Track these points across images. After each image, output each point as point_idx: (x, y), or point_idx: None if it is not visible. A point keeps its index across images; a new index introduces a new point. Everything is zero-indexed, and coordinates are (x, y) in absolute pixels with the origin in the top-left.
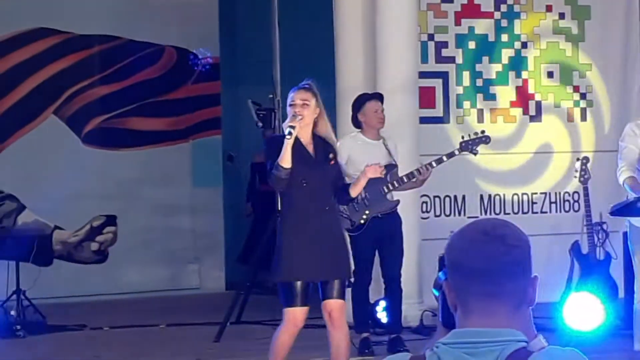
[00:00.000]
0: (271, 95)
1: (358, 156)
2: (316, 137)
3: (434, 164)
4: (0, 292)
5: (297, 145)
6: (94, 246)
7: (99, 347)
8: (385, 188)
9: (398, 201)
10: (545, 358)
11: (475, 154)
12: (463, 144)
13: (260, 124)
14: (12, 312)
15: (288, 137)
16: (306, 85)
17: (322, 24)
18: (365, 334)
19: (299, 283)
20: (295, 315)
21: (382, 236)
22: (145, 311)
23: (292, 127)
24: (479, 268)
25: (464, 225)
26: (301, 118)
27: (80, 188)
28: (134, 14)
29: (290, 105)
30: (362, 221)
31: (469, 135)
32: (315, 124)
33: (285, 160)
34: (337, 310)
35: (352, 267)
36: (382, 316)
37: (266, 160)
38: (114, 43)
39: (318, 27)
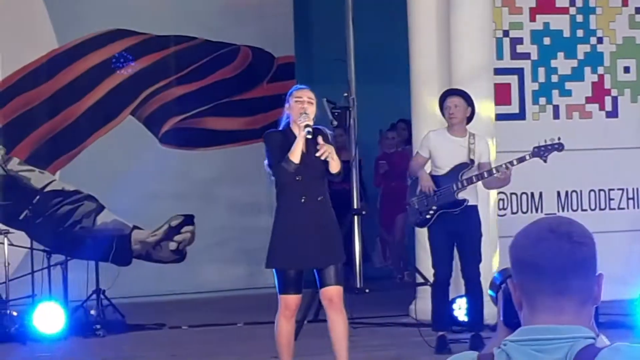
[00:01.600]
0: (346, 94)
1: (438, 151)
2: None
3: (514, 162)
4: (81, 291)
5: (293, 141)
6: (172, 245)
7: (177, 346)
8: (455, 186)
9: (465, 200)
10: (614, 353)
11: (545, 161)
12: (535, 150)
13: (335, 123)
14: (92, 312)
15: (308, 135)
16: (304, 86)
17: (396, 22)
18: (442, 332)
19: (292, 271)
20: (288, 302)
21: (458, 233)
22: (222, 310)
23: (309, 125)
24: (546, 265)
25: (528, 224)
26: (308, 117)
27: (158, 188)
28: (210, 14)
29: (296, 101)
30: (427, 216)
31: (545, 141)
32: None
33: (296, 155)
34: (337, 295)
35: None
36: (460, 314)
37: (267, 155)
38: (189, 43)
39: (392, 25)
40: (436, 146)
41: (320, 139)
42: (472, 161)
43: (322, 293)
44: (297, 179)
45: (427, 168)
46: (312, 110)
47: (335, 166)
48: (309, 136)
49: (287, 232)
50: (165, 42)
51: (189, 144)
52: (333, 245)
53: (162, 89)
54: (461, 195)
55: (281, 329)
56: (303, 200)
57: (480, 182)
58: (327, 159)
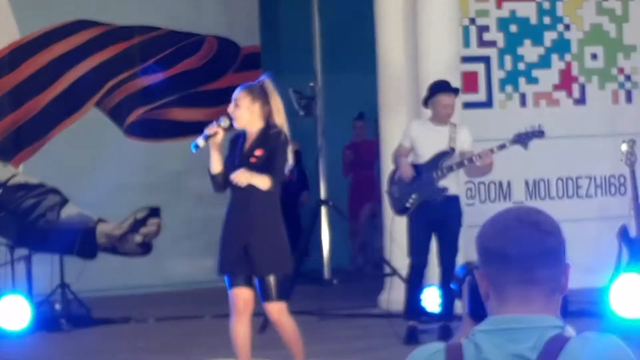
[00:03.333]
0: (312, 84)
1: (419, 140)
2: (264, 130)
3: (494, 149)
4: (45, 285)
5: (240, 141)
6: (138, 238)
7: (144, 340)
8: (435, 174)
9: (445, 189)
10: (583, 342)
11: (525, 148)
12: (516, 137)
13: (301, 113)
14: (57, 306)
15: (197, 147)
16: (248, 84)
17: (362, 12)
18: (412, 322)
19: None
20: (237, 295)
21: (437, 222)
22: (189, 303)
23: (208, 136)
24: (514, 255)
25: (495, 214)
26: (223, 121)
27: (124, 180)
28: (174, 4)
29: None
30: (407, 205)
31: (525, 129)
32: (269, 116)
33: (212, 166)
34: (273, 313)
35: (283, 264)
36: (429, 304)
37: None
38: (154, 34)
39: (359, 14)
40: (418, 135)
41: (236, 179)
42: (453, 149)
43: (264, 306)
44: (233, 181)
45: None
46: (237, 113)
47: (260, 185)
48: (199, 147)
49: (223, 238)
50: (129, 32)
51: (154, 135)
52: (269, 254)
53: (126, 80)
54: (441, 184)
55: (232, 328)
56: (236, 203)
57: (462, 172)
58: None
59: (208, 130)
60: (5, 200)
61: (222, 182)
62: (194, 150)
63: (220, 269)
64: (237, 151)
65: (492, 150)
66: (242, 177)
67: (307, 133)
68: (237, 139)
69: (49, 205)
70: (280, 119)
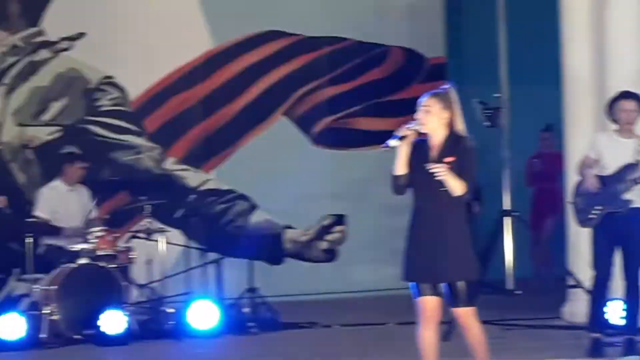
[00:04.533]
0: (497, 95)
1: (605, 152)
2: (451, 138)
3: None
4: (235, 289)
5: (424, 147)
6: (324, 245)
7: (329, 345)
8: (620, 187)
9: (630, 201)
10: None
11: None
12: None
13: (486, 123)
14: (246, 309)
15: (388, 147)
16: (437, 91)
17: (548, 22)
18: (596, 335)
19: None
20: (425, 303)
21: (622, 235)
22: (374, 310)
23: (400, 137)
24: None
25: None
26: (416, 125)
27: (310, 188)
28: (361, 15)
29: (419, 109)
30: (591, 216)
31: None
32: (452, 124)
33: (397, 168)
34: (463, 317)
35: (477, 268)
36: (613, 317)
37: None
38: (341, 44)
39: (545, 25)
40: (604, 147)
41: (432, 171)
42: (639, 162)
43: (453, 311)
44: (423, 188)
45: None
46: (427, 119)
47: (454, 190)
48: (390, 147)
49: (412, 244)
50: (317, 43)
51: (341, 144)
52: (460, 259)
53: (314, 90)
54: (626, 196)
55: (421, 337)
56: (426, 208)
57: None
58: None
59: (400, 132)
60: (197, 205)
61: (404, 184)
62: (386, 149)
63: (407, 275)
64: (421, 157)
65: None
66: (442, 169)
67: (491, 144)
68: (420, 144)
69: (238, 211)
70: (461, 127)
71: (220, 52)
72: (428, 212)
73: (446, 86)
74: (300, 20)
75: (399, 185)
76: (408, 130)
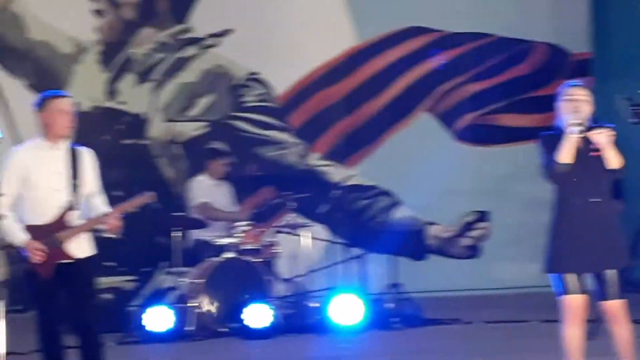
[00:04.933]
0: None
1: None
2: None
3: None
4: (378, 284)
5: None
6: (467, 241)
7: (472, 342)
8: None
9: None
10: None
11: None
12: None
13: (632, 120)
14: (389, 305)
15: (575, 134)
16: (579, 83)
17: None
18: None
19: (567, 275)
20: (572, 300)
21: None
22: (516, 307)
23: (578, 124)
24: None
25: None
26: (580, 115)
27: (453, 184)
28: (504, 11)
29: (567, 100)
30: None
31: None
32: None
33: (564, 156)
34: (612, 311)
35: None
36: None
37: (540, 156)
38: (484, 40)
39: None
40: None
41: (596, 137)
42: None
43: (602, 305)
44: (573, 180)
45: None
46: (585, 108)
47: (612, 161)
48: (577, 135)
49: (561, 235)
50: (460, 39)
51: (483, 141)
52: (612, 249)
53: (457, 86)
54: None
55: (567, 336)
56: (576, 201)
57: None
58: (602, 152)
59: (575, 121)
60: (340, 201)
61: (564, 173)
62: (579, 134)
63: (554, 266)
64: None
65: None
66: (606, 135)
67: (636, 141)
68: (554, 135)
69: (381, 207)
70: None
71: (364, 48)
72: (579, 202)
73: (578, 82)
74: (444, 16)
75: (559, 174)
76: (579, 120)
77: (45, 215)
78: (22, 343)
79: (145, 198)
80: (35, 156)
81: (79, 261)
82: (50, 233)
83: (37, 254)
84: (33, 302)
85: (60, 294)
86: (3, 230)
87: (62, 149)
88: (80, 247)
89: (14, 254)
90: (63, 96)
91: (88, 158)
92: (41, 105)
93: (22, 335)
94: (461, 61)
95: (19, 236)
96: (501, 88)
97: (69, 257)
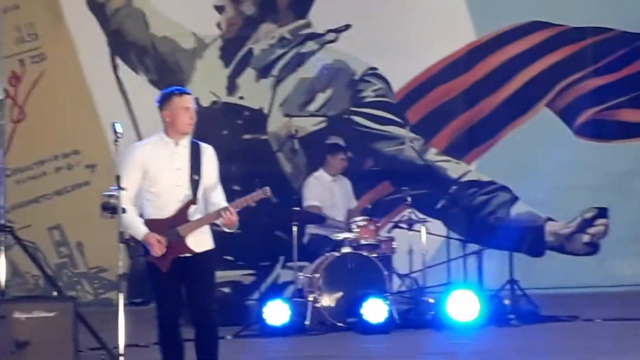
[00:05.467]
0: None
1: None
2: None
3: None
4: (495, 281)
5: None
6: (585, 238)
7: (591, 339)
8: None
9: None
10: None
11: None
12: None
13: None
14: (506, 301)
15: None
16: None
17: None
18: None
19: None
20: None
21: None
22: (637, 304)
23: None
24: None
25: None
26: None
27: (572, 180)
28: (627, 5)
29: None
30: None
31: None
32: None
33: None
34: None
35: None
36: None
37: None
38: (606, 35)
39: None
40: None
41: None
42: None
43: None
44: None
45: None
46: None
47: None
48: None
49: None
50: (581, 33)
51: (603, 136)
52: None
53: (578, 81)
54: None
55: None
56: None
57: None
58: None
59: None
60: (458, 197)
61: None
62: None
63: None
64: None
65: None
66: None
67: None
68: None
69: (499, 203)
70: None
71: (483, 43)
72: None
73: None
74: (564, 11)
75: None
76: None
77: (165, 210)
78: (142, 335)
79: (261, 193)
80: (156, 152)
81: (198, 255)
82: (170, 227)
83: (156, 247)
84: (152, 295)
85: (179, 288)
86: (124, 223)
87: (183, 144)
88: (199, 241)
89: (135, 247)
90: (185, 93)
91: (208, 154)
92: (163, 101)
93: (143, 328)
94: (582, 56)
95: (139, 229)
96: (622, 83)
97: (188, 251)
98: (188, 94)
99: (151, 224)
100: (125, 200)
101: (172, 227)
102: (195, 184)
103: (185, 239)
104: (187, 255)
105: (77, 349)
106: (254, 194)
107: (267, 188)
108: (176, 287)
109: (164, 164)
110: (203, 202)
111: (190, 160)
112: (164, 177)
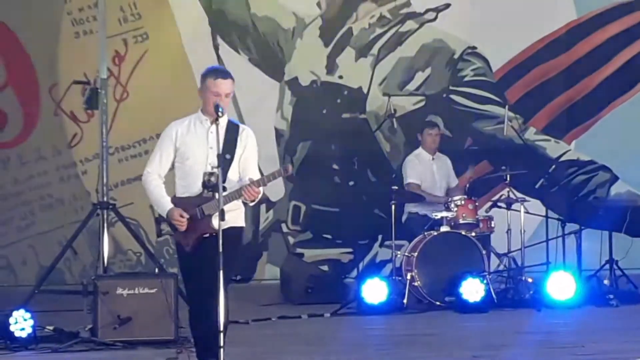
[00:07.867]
0: None
1: None
2: None
3: None
4: (594, 260)
5: None
6: None
7: None
8: None
9: None
10: None
11: None
12: None
13: None
14: (606, 281)
15: None
16: None
17: None
18: None
19: None
20: None
21: None
22: None
23: None
24: None
25: None
26: None
27: None
28: None
29: None
30: None
31: None
32: None
33: None
34: None
35: None
36: None
37: None
38: None
39: None
40: None
41: None
42: None
43: None
44: None
45: None
46: None
47: None
48: None
49: None
50: None
51: None
52: None
53: None
54: None
55: None
56: None
57: None
58: None
59: None
60: (557, 176)
61: None
62: None
63: None
64: None
65: None
66: None
67: None
68: None
69: (599, 182)
70: None
71: (584, 22)
72: None
73: None
74: None
75: None
76: None
77: (193, 188)
78: (241, 312)
79: (282, 171)
80: (190, 130)
81: (224, 232)
82: (196, 205)
83: (179, 222)
84: (181, 273)
85: (207, 266)
86: (151, 199)
87: (220, 124)
88: (227, 219)
89: (163, 225)
90: (220, 77)
91: (245, 135)
92: (201, 79)
93: (242, 305)
94: None
95: (164, 205)
96: None
97: (211, 230)
98: (224, 78)
99: (179, 201)
100: (155, 176)
101: (199, 205)
102: (226, 163)
103: (211, 218)
104: (213, 234)
105: (177, 325)
106: (275, 171)
107: (289, 165)
108: (203, 265)
109: (197, 141)
110: (237, 183)
111: (225, 140)
112: (194, 155)
